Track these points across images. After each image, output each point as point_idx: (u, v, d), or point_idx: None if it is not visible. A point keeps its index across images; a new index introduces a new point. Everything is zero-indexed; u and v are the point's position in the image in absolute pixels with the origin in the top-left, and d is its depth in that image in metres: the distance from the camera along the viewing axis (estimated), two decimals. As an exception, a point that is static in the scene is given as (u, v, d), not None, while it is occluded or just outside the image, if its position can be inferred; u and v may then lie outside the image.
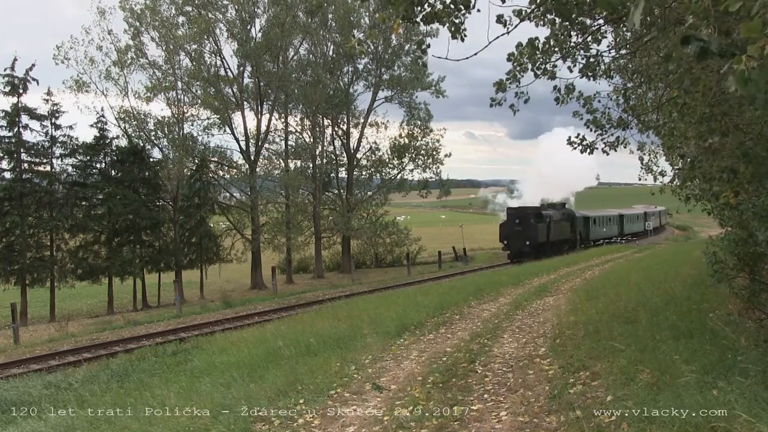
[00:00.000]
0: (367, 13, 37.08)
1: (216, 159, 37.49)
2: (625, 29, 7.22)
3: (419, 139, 41.69)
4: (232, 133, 36.79)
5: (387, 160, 42.30)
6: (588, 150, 7.96)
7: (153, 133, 34.69)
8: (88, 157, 30.55)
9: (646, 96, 9.04)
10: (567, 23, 6.59)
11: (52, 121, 28.72)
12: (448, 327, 10.62)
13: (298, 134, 40.29)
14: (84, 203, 30.80)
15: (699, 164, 7.73)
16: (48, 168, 29.20)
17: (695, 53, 2.29)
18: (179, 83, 34.41)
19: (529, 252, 36.69)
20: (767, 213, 5.60)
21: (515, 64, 6.65)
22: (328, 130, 41.66)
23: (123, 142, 32.42)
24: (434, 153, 41.55)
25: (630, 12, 2.20)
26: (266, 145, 38.17)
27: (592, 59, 7.49)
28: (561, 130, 56.29)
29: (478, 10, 5.73)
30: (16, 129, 27.61)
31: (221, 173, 38.29)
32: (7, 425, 7.95)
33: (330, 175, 42.35)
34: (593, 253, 33.36)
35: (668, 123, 8.06)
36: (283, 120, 38.19)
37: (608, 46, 8.22)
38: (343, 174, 42.72)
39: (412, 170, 42.49)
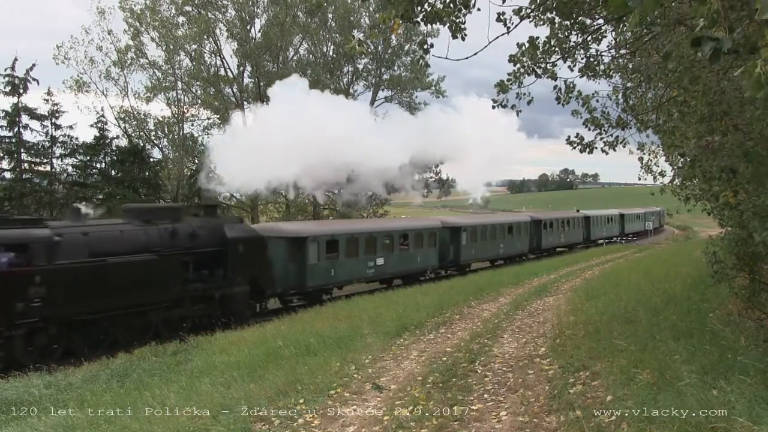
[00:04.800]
0: (367, 13, 37.07)
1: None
2: (625, 29, 7.22)
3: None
4: (233, 133, 36.82)
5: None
6: (587, 149, 7.96)
7: (153, 133, 34.72)
8: (88, 157, 30.57)
9: (646, 96, 9.04)
10: (567, 22, 6.59)
11: (52, 121, 28.73)
12: (448, 327, 10.61)
13: (298, 134, 40.26)
14: (84, 203, 30.79)
15: (699, 164, 7.73)
16: (48, 168, 29.22)
17: (708, 55, 2.26)
18: (179, 83, 34.43)
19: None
20: (767, 213, 5.60)
21: (517, 65, 6.66)
22: (329, 130, 41.64)
23: (123, 142, 32.45)
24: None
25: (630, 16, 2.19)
26: (266, 145, 38.15)
27: (591, 59, 7.49)
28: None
29: (479, 9, 5.73)
30: (16, 129, 27.63)
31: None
32: (7, 425, 7.94)
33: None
34: (590, 254, 33.17)
35: (668, 123, 8.05)
36: (283, 120, 38.18)
37: (608, 46, 8.23)
38: (342, 174, 42.70)
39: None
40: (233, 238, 16.80)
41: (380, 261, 23.19)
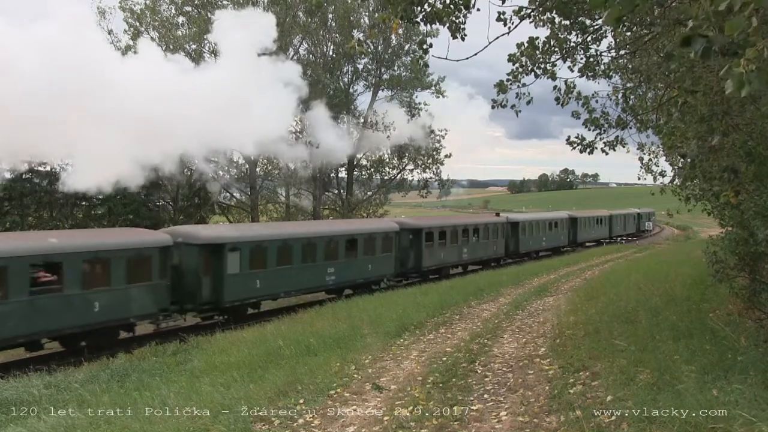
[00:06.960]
0: (367, 13, 37.08)
1: (216, 158, 37.43)
2: (625, 29, 7.22)
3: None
4: (232, 132, 36.80)
5: (387, 160, 42.30)
6: (587, 149, 7.95)
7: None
8: (88, 157, 30.55)
9: (646, 96, 9.04)
10: (567, 22, 6.60)
11: (52, 121, 28.72)
12: (448, 327, 10.61)
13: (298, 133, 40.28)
14: (84, 203, 30.76)
15: (699, 164, 7.74)
16: (48, 168, 29.19)
17: (699, 52, 2.29)
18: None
19: None
20: (768, 212, 5.60)
21: (516, 64, 6.66)
22: (328, 130, 41.66)
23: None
24: (434, 153, 41.53)
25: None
26: (266, 145, 38.18)
27: (591, 59, 7.49)
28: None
29: (478, 9, 5.73)
30: (16, 129, 27.62)
31: (221, 173, 38.26)
32: (7, 425, 7.94)
33: (330, 175, 42.32)
34: (590, 254, 33.28)
35: (668, 123, 8.06)
36: (283, 120, 38.18)
37: (608, 46, 8.24)
38: (343, 174, 42.70)
39: (411, 170, 42.50)
40: None
41: None
